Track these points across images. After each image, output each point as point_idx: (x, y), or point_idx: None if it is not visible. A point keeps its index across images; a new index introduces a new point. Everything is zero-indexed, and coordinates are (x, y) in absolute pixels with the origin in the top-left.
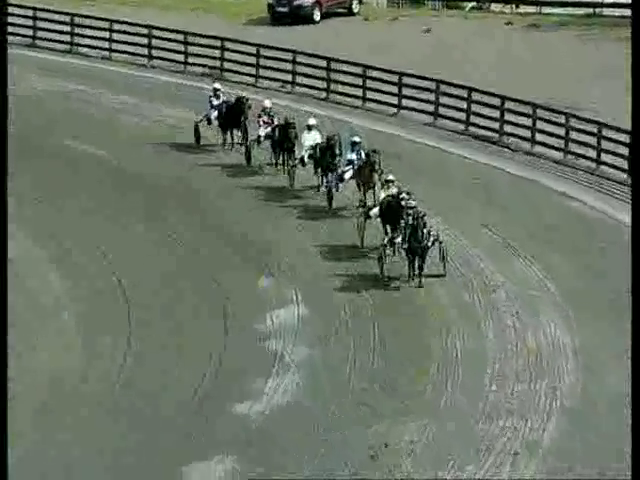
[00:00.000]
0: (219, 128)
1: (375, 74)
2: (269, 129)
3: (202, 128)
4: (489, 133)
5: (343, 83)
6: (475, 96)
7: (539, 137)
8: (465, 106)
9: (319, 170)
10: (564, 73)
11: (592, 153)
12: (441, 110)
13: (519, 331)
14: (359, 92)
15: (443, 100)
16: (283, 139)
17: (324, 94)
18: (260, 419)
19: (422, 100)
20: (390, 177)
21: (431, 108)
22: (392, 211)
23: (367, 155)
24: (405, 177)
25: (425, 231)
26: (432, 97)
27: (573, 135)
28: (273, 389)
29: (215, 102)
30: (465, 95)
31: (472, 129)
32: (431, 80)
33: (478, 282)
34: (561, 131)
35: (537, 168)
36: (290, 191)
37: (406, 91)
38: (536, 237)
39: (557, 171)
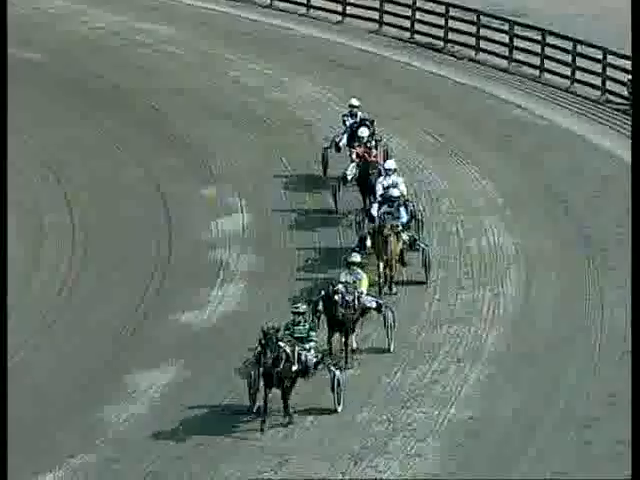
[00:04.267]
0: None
1: None
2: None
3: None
4: (434, 40)
5: None
6: (419, 3)
7: (483, 44)
8: (410, 13)
9: None
10: None
11: (536, 60)
12: (386, 18)
13: (462, 239)
14: None
15: (388, 7)
16: (363, 179)
17: (268, 1)
18: (206, 327)
19: (367, 7)
20: (354, 258)
21: (376, 16)
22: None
23: (380, 217)
24: (347, 83)
25: (287, 351)
26: (377, 4)
27: (517, 42)
28: (218, 298)
29: (349, 122)
30: (410, 2)
31: (417, 37)
32: None
33: (422, 189)
34: (505, 38)
35: (481, 75)
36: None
37: None
38: (479, 143)
39: (501, 78)
